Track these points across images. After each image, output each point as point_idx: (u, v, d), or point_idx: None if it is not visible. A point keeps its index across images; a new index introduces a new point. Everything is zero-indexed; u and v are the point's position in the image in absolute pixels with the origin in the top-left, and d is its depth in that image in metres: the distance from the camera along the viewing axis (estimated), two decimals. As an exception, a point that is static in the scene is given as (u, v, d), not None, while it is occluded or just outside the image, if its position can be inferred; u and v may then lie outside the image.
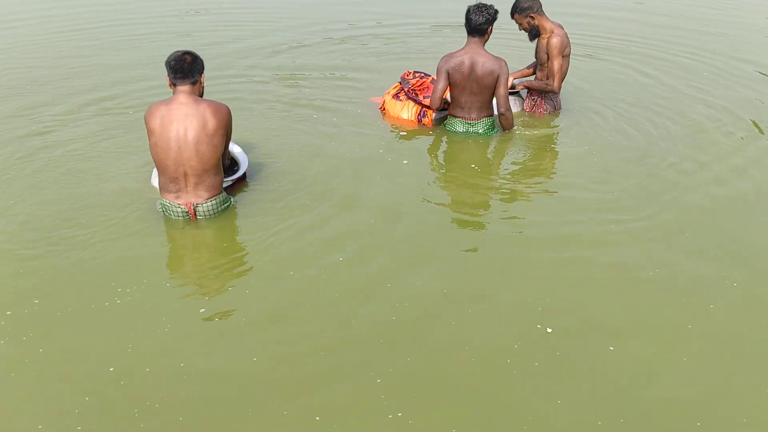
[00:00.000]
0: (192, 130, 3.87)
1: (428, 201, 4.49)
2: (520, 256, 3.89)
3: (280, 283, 3.61)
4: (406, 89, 5.71)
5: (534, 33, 5.61)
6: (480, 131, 5.43)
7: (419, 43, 8.41)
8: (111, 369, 2.98)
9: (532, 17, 5.52)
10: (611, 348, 3.15)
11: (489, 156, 5.26)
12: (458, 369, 3.02)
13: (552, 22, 5.58)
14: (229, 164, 4.40)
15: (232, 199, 4.27)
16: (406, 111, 5.65)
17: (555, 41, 5.48)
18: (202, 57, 4.05)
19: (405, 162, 4.99)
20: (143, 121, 4.01)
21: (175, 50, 4.01)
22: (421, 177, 4.81)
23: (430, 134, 5.50)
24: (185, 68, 3.93)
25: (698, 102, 6.36)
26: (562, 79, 5.65)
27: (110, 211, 4.16)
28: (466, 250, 3.97)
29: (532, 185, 4.82)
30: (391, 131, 5.55)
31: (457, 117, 5.45)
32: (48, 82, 6.64)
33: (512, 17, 5.63)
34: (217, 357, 3.09)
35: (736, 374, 3.04)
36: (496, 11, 5.21)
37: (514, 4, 5.56)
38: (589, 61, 7.53)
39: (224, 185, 4.23)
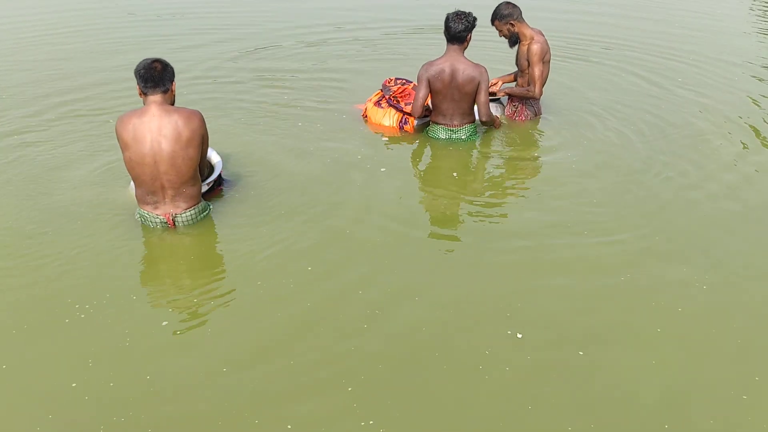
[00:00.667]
0: (166, 144, 3.80)
1: (405, 210, 4.45)
2: (492, 263, 3.86)
3: (249, 294, 3.57)
4: (387, 96, 5.71)
5: (514, 40, 5.63)
6: (463, 137, 5.43)
7: (401, 45, 8.42)
8: (73, 385, 2.93)
9: (512, 24, 5.55)
10: (581, 353, 3.14)
11: (469, 164, 5.24)
12: (430, 375, 3.00)
13: (532, 28, 5.60)
14: (208, 172, 4.36)
15: (210, 206, 4.25)
16: (388, 118, 5.65)
17: (535, 48, 5.49)
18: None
19: (383, 170, 4.95)
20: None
21: (144, 58, 3.91)
22: (400, 186, 4.76)
23: (412, 142, 5.49)
24: (156, 77, 3.83)
25: (681, 106, 6.34)
26: (542, 86, 5.65)
27: (82, 223, 4.10)
28: (439, 259, 3.93)
29: (511, 193, 4.79)
30: (372, 139, 5.54)
31: (440, 124, 5.45)
32: (18, 86, 6.60)
33: (492, 24, 5.65)
34: (184, 369, 3.05)
35: (704, 376, 3.05)
36: (475, 18, 5.22)
37: (494, 12, 5.59)
38: (571, 65, 7.52)
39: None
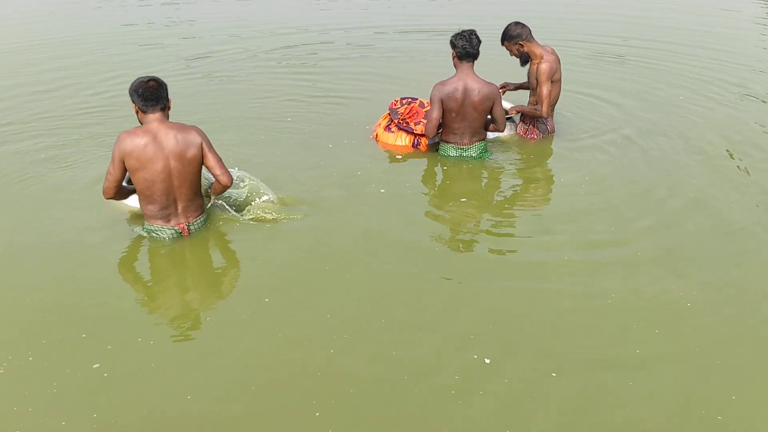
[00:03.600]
0: (176, 161, 3.92)
1: (399, 231, 4.30)
2: (475, 287, 3.76)
3: (221, 318, 3.53)
4: (396, 121, 5.64)
5: (524, 59, 5.58)
6: (473, 155, 5.37)
7: (409, 48, 8.68)
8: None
9: (521, 44, 5.50)
10: (554, 374, 3.04)
11: (475, 186, 5.07)
12: (402, 400, 2.92)
13: (542, 47, 5.53)
14: (229, 178, 4.21)
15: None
16: (400, 140, 5.60)
17: (543, 67, 5.43)
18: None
19: (382, 191, 4.86)
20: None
21: (138, 77, 3.95)
22: (402, 207, 4.64)
23: (423, 160, 5.41)
24: (155, 95, 3.90)
25: (697, 123, 6.20)
26: (551, 105, 5.57)
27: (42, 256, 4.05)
28: (419, 282, 3.79)
29: (510, 217, 4.66)
30: (383, 158, 5.48)
31: (450, 143, 5.39)
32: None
33: (502, 44, 5.60)
34: (146, 400, 2.94)
35: (681, 398, 2.94)
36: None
37: (504, 32, 5.54)
38: (592, 71, 7.48)
39: None
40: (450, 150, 5.43)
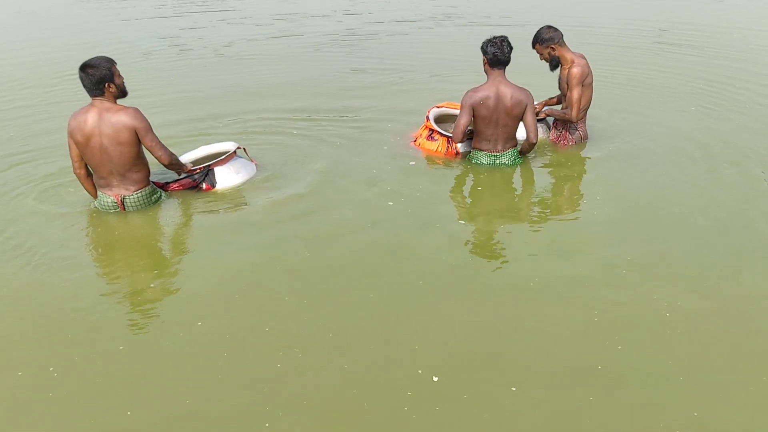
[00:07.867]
0: (106, 139, 4.19)
1: (388, 243, 4.11)
2: (446, 303, 3.51)
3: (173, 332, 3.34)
4: (438, 130, 5.49)
5: (554, 63, 5.35)
6: (506, 162, 5.17)
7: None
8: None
9: (552, 48, 5.27)
10: (513, 388, 2.81)
11: (488, 203, 4.78)
12: (354, 415, 2.76)
13: (573, 52, 5.30)
14: (168, 157, 4.46)
15: (162, 194, 4.61)
16: (441, 147, 5.47)
17: (575, 71, 5.19)
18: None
19: (390, 203, 4.65)
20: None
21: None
22: (406, 221, 4.41)
23: (449, 170, 5.22)
24: (86, 83, 4.17)
25: (724, 139, 5.78)
26: (581, 109, 5.31)
27: None
28: (375, 296, 3.57)
29: (510, 230, 4.38)
30: (406, 165, 5.31)
31: (483, 150, 5.19)
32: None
33: (533, 47, 5.38)
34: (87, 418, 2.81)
35: (649, 411, 2.70)
36: None
37: (536, 35, 5.33)
38: (622, 88, 7.17)
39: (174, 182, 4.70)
40: (483, 158, 5.22)
